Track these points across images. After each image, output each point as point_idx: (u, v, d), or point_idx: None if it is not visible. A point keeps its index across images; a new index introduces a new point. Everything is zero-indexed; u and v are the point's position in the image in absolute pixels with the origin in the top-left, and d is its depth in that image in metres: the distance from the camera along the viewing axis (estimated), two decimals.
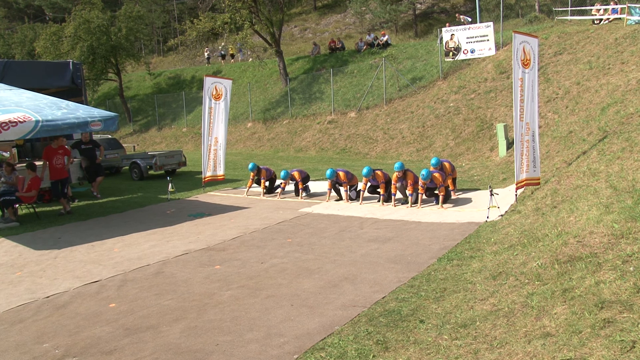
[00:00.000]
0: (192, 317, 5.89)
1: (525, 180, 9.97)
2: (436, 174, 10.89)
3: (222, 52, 41.47)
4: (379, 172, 11.66)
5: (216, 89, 14.41)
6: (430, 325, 5.17)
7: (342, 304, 5.96)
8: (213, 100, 14.34)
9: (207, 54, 43.13)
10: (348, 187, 12.25)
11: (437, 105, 20.94)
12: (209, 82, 14.46)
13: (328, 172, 12.15)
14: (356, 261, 7.59)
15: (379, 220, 10.11)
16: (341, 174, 12.15)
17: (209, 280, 7.20)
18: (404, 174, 11.37)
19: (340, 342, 5.00)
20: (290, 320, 5.61)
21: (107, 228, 10.82)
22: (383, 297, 6.04)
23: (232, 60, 39.94)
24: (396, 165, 11.36)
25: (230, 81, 15.30)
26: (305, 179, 13.12)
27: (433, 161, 11.38)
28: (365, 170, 11.55)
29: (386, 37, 28.97)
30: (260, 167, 13.82)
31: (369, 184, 11.97)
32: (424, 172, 10.81)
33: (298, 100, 27.92)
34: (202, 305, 6.23)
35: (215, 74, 30.19)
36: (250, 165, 13.60)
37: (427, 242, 8.32)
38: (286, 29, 36.89)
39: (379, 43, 28.75)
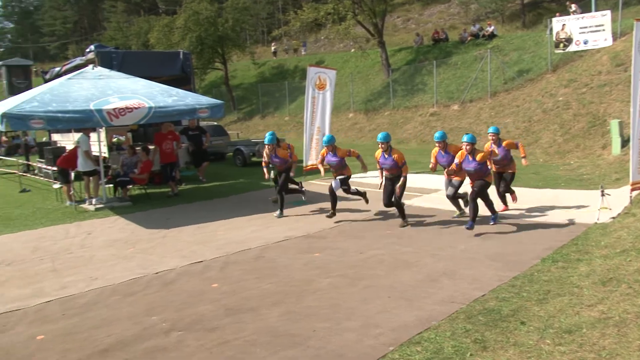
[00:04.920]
0: (291, 302, 6.03)
1: None
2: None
3: (286, 47, 42.60)
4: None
5: (320, 79, 14.54)
6: (532, 327, 5.00)
7: (440, 299, 5.89)
8: (316, 90, 14.49)
9: (274, 49, 44.19)
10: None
11: (545, 99, 20.02)
12: (312, 72, 14.62)
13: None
14: (455, 256, 7.46)
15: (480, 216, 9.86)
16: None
17: (308, 267, 7.33)
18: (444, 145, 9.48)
19: (437, 337, 4.95)
20: (387, 311, 5.61)
21: (212, 211, 11.26)
22: (482, 295, 5.90)
23: (295, 54, 40.91)
24: (436, 134, 9.54)
25: (335, 71, 15.37)
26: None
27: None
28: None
29: (492, 27, 28.02)
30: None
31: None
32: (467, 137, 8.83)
33: (400, 91, 27.65)
34: (301, 291, 6.36)
35: (318, 63, 30.43)
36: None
37: (530, 241, 8.02)
38: (389, 19, 36.52)
39: (484, 34, 27.85)
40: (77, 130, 13.96)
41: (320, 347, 4.90)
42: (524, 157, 9.93)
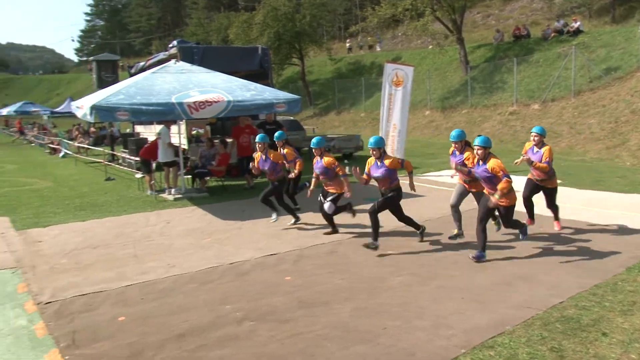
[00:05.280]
0: (363, 299, 6.02)
1: None
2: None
3: (361, 43, 42.32)
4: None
5: (397, 76, 14.43)
6: (614, 340, 4.77)
7: (515, 303, 5.72)
8: (393, 87, 14.39)
9: (349, 45, 44.06)
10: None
11: (635, 99, 19.02)
12: (389, 68, 14.53)
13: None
14: (533, 260, 7.22)
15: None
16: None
17: (380, 264, 7.30)
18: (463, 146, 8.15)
19: (511, 342, 4.81)
20: (460, 313, 5.51)
21: None
22: (561, 302, 5.68)
23: (370, 50, 40.52)
24: (453, 133, 8.21)
25: (412, 68, 15.21)
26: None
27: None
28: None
29: (578, 23, 26.85)
30: None
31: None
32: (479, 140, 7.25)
33: (478, 89, 27.04)
34: (372, 288, 6.34)
35: (395, 60, 30.21)
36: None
37: (615, 248, 7.65)
38: (468, 15, 35.67)
39: (569, 30, 26.76)
40: (158, 123, 14.45)
41: (390, 345, 4.87)
42: (527, 160, 7.99)
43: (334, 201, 8.74)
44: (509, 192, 7.08)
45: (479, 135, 7.40)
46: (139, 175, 14.25)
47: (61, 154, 25.34)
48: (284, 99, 11.85)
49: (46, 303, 6.21)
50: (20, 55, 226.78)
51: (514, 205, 7.28)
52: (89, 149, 24.37)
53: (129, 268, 7.44)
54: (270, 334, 5.20)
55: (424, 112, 28.85)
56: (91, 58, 30.63)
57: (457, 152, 8.14)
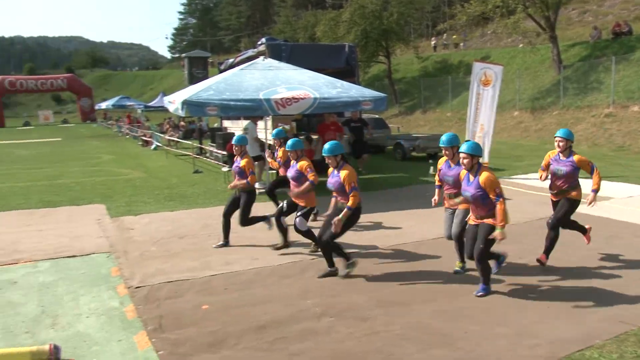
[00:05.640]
0: (443, 301, 5.92)
1: None
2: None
3: (445, 42, 41.27)
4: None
5: (485, 75, 14.05)
6: None
7: (605, 316, 5.42)
8: (481, 86, 14.03)
9: (434, 43, 43.18)
10: None
11: None
12: (478, 67, 14.18)
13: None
14: (627, 272, 6.79)
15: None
16: None
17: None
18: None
19: (601, 358, 4.56)
20: (545, 322, 5.30)
21: (369, 203, 11.21)
22: None
23: (455, 49, 39.44)
24: (443, 138, 6.82)
25: (501, 67, 14.75)
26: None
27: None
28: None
29: None
30: None
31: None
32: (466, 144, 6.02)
33: (571, 90, 25.88)
34: (453, 291, 6.22)
35: (484, 59, 29.41)
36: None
37: None
38: (563, 12, 34.07)
39: None
40: (245, 118, 14.77)
41: (470, 350, 4.76)
42: (595, 190, 6.83)
43: (304, 216, 7.62)
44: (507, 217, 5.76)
45: (467, 140, 6.13)
46: (225, 168, 14.63)
47: (153, 147, 26.44)
48: (370, 97, 11.82)
49: (136, 287, 6.53)
50: (119, 52, 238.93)
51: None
52: (178, 142, 25.28)
53: (214, 258, 7.67)
54: (348, 330, 5.21)
55: (513, 113, 27.94)
56: (183, 55, 31.82)
57: (451, 163, 6.78)
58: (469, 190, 5.94)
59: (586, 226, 7.35)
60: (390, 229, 9.28)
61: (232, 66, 17.04)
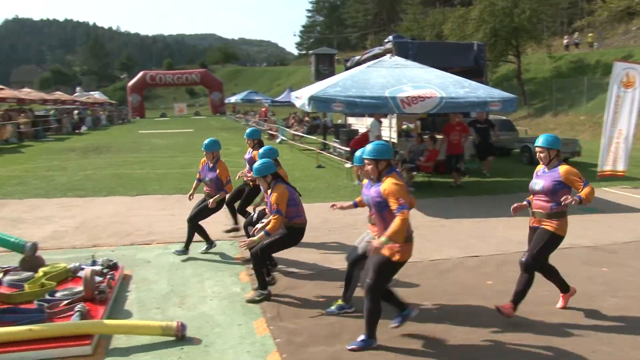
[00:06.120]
0: (570, 315, 5.61)
1: None
2: None
3: (576, 40, 38.42)
4: None
5: (628, 76, 13.06)
6: None
7: None
8: (622, 88, 13.07)
9: (566, 42, 40.53)
10: None
11: None
12: (619, 67, 13.22)
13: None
14: None
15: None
16: None
17: (591, 281, 6.68)
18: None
19: None
20: None
21: (493, 207, 10.97)
22: None
23: (591, 49, 36.64)
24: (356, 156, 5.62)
25: None
26: None
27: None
28: None
29: None
30: None
31: None
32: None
33: None
34: (581, 306, 5.84)
35: (626, 58, 27.44)
36: None
37: None
38: None
39: None
40: (370, 115, 14.84)
41: None
42: (581, 197, 5.17)
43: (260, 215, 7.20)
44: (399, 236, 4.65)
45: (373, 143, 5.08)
46: (348, 165, 14.79)
47: (278, 140, 27.26)
48: (499, 97, 11.42)
49: None
50: (248, 49, 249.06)
51: (402, 263, 4.93)
52: (302, 136, 25.86)
53: (333, 253, 7.80)
54: (466, 336, 5.10)
55: None
56: (310, 52, 32.62)
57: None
58: (368, 194, 5.01)
59: (571, 285, 5.84)
60: (515, 234, 8.87)
61: (358, 63, 17.20)
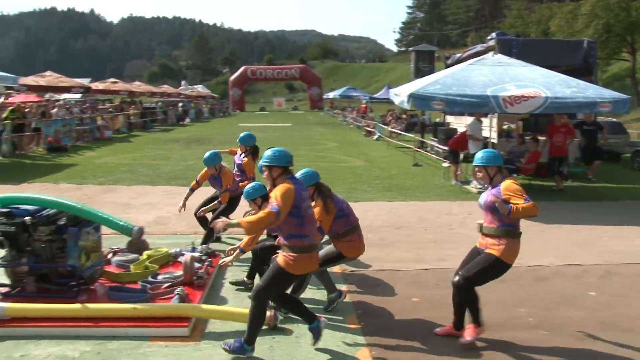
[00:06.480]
0: None
1: None
2: None
3: None
4: None
5: None
6: None
7: None
8: None
9: None
10: None
11: None
12: None
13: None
14: None
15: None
16: None
17: None
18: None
19: None
20: None
21: (598, 214, 10.44)
22: None
23: None
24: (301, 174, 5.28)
25: None
26: None
27: None
28: None
29: None
30: None
31: None
32: None
33: None
34: None
35: None
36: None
37: None
38: None
39: None
40: (469, 114, 14.53)
41: None
42: (510, 206, 4.76)
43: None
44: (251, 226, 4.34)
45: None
46: (445, 164, 14.57)
47: (375, 137, 27.26)
48: (610, 98, 10.81)
49: (351, 271, 6.88)
50: (347, 45, 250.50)
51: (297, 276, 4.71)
52: (400, 134, 25.68)
53: (427, 252, 7.73)
54: (564, 347, 4.91)
55: None
56: (410, 48, 32.27)
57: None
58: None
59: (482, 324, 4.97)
60: (622, 244, 8.42)
61: (459, 61, 16.86)
